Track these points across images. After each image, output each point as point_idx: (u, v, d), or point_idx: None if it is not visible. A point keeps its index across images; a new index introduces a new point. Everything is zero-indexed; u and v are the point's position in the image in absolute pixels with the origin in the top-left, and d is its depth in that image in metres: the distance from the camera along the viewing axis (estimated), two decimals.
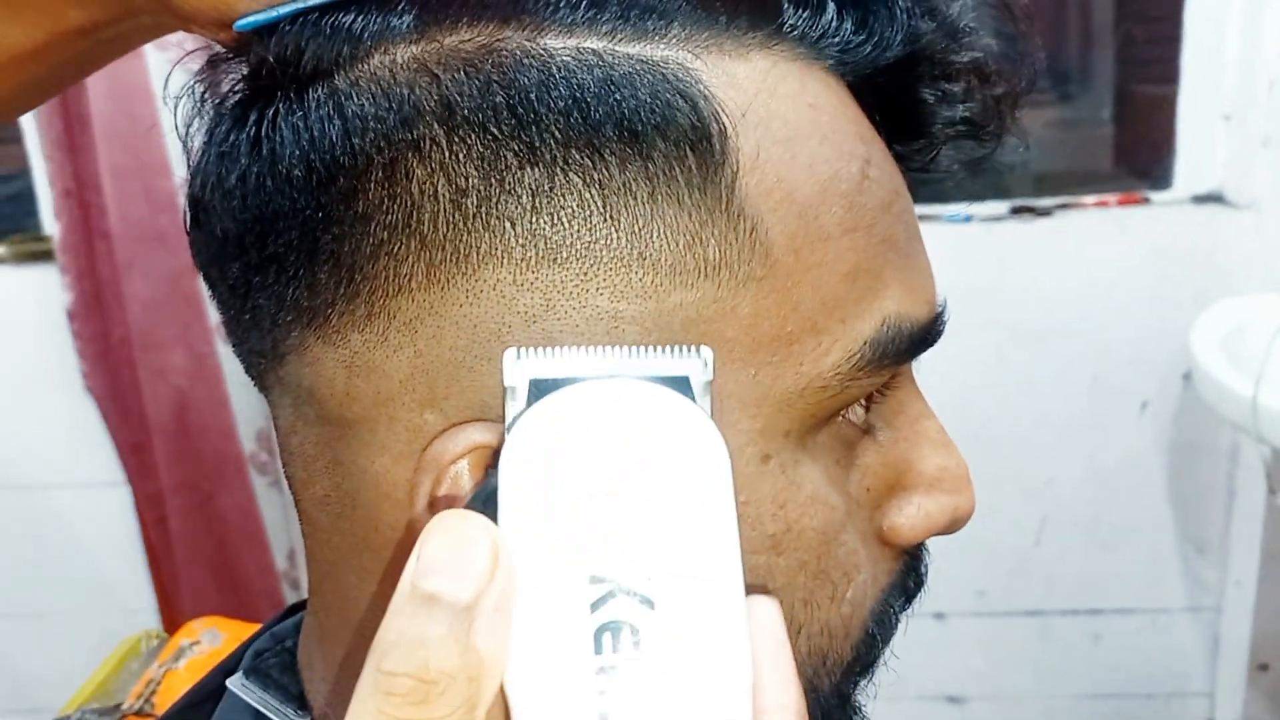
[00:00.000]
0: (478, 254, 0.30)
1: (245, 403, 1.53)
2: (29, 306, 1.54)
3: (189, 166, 0.35)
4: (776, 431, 0.32)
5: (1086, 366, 1.50)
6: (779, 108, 0.32)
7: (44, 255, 1.52)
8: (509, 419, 0.27)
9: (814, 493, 0.33)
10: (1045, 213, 1.46)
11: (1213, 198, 1.45)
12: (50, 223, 1.52)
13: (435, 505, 0.30)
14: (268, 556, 1.59)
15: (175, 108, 0.35)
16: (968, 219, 1.45)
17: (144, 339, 1.48)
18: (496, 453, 0.29)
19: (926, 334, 0.34)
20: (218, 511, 1.56)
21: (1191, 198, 1.46)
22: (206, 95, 0.35)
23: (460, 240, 0.30)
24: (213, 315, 1.48)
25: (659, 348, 0.28)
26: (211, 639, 0.62)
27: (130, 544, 1.65)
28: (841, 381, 0.32)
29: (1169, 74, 1.44)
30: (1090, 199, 1.46)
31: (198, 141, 0.35)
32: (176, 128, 0.36)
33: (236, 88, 0.34)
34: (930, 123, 0.37)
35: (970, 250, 1.46)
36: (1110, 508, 1.57)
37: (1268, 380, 1.19)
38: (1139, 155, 1.60)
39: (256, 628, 0.65)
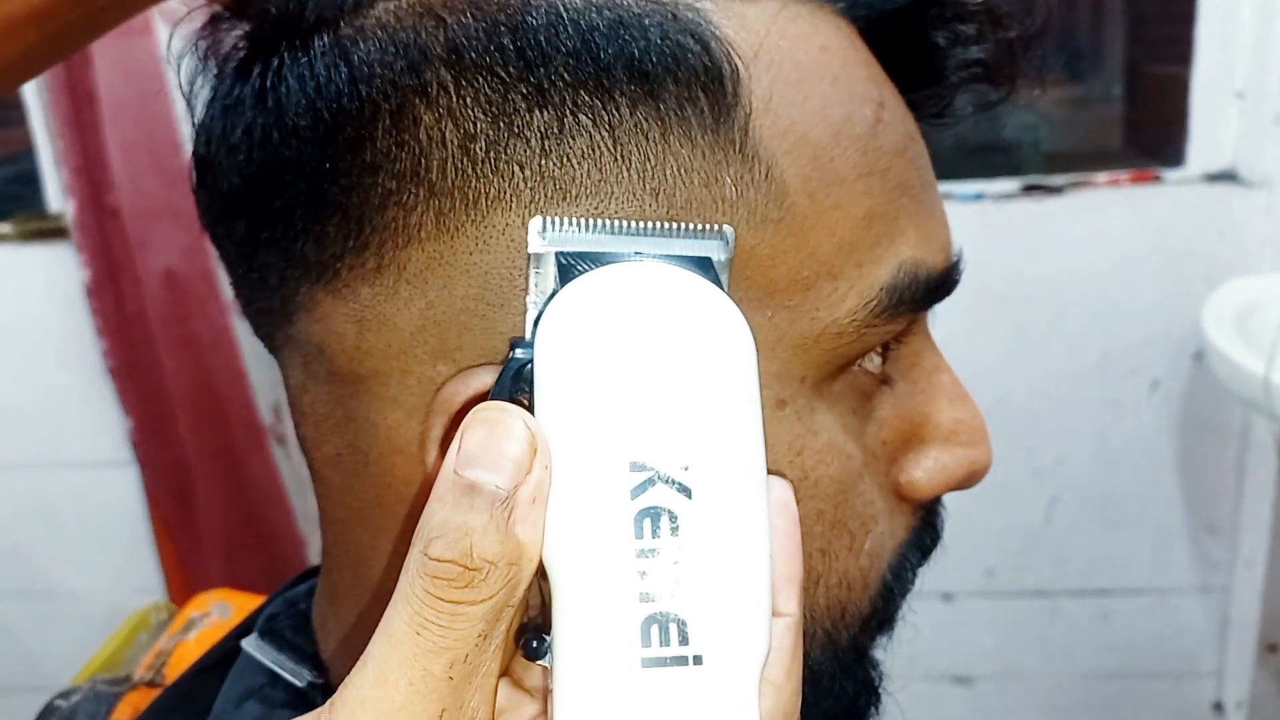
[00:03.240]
0: (486, 199, 0.29)
1: (262, 378, 1.53)
2: (36, 285, 1.54)
3: (193, 125, 0.35)
4: (792, 377, 0.32)
5: (1097, 345, 1.50)
6: (790, 50, 0.31)
7: (49, 233, 1.52)
8: (532, 288, 0.28)
9: (831, 441, 0.33)
10: (1057, 191, 1.44)
11: (1225, 176, 1.44)
12: (56, 200, 1.51)
13: (447, 449, 0.30)
14: (293, 523, 1.61)
15: (178, 67, 0.35)
16: (979, 197, 1.44)
17: (163, 313, 1.48)
18: (514, 343, 0.29)
19: (943, 281, 0.34)
20: (247, 477, 1.58)
21: (1204, 176, 1.44)
22: (209, 53, 0.34)
23: (468, 186, 0.29)
24: (227, 291, 1.47)
25: (681, 225, 0.29)
26: (221, 611, 0.62)
27: (138, 523, 1.65)
28: (858, 328, 0.32)
29: (1182, 52, 1.43)
30: (1102, 177, 1.45)
31: (201, 100, 0.34)
32: (180, 86, 0.35)
33: (240, 44, 0.33)
34: (942, 67, 0.37)
35: (981, 229, 1.45)
36: (1120, 487, 1.56)
37: None
38: (1151, 133, 1.59)
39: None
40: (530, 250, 0.28)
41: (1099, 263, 1.46)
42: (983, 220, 1.45)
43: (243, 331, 1.50)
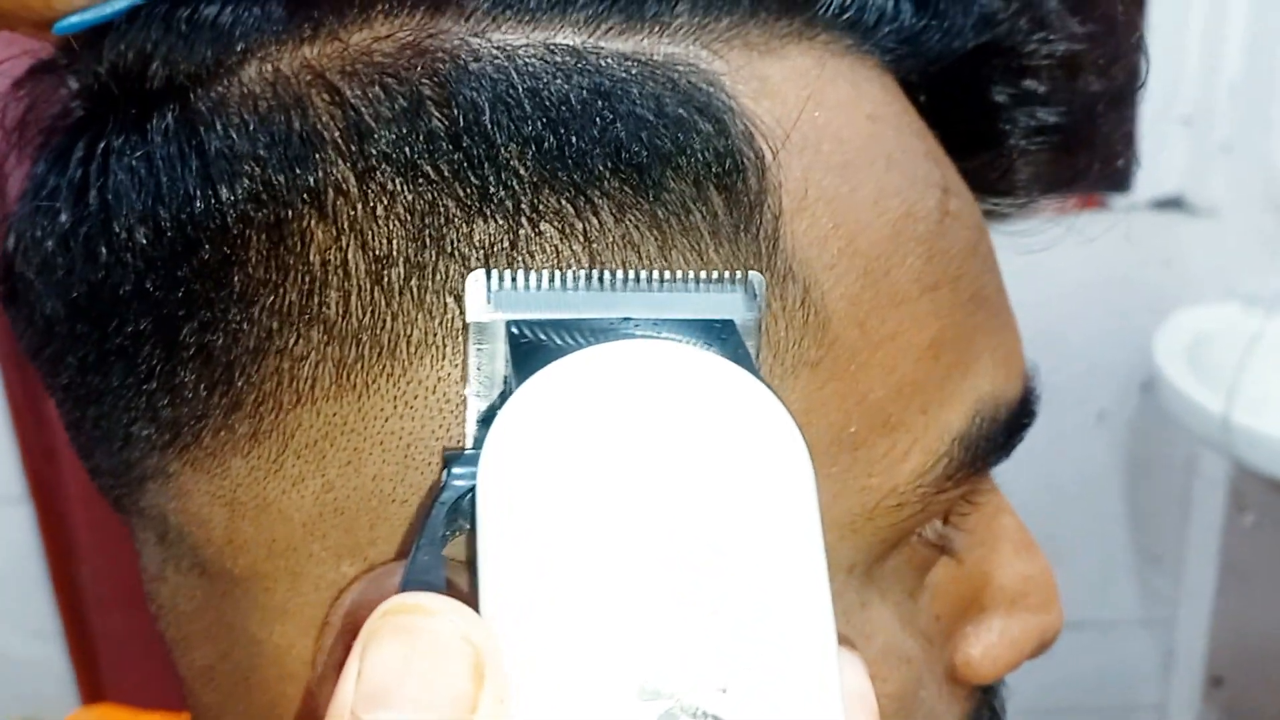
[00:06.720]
0: (408, 345, 0.21)
1: None
2: None
3: (3, 216, 0.26)
4: (837, 569, 0.23)
5: (1043, 376, 1.46)
6: (830, 122, 0.23)
7: None
8: (473, 373, 0.20)
9: (887, 644, 0.25)
10: (1002, 217, 1.40)
11: (1172, 203, 1.42)
12: None
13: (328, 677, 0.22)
14: None
15: None
16: None
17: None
18: (449, 458, 0.20)
19: (1023, 415, 0.27)
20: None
21: (1150, 203, 1.42)
22: (28, 117, 0.25)
23: (382, 327, 0.21)
24: None
25: (687, 275, 0.20)
26: None
27: (33, 563, 1.54)
28: (924, 495, 0.24)
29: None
30: (1047, 203, 1.41)
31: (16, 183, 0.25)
32: None
33: (69, 108, 0.24)
34: (1003, 131, 0.29)
35: None
36: (1065, 519, 1.53)
37: (1239, 396, 1.15)
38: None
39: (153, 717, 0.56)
40: (469, 319, 0.20)
41: (1045, 291, 1.43)
42: None
43: None
